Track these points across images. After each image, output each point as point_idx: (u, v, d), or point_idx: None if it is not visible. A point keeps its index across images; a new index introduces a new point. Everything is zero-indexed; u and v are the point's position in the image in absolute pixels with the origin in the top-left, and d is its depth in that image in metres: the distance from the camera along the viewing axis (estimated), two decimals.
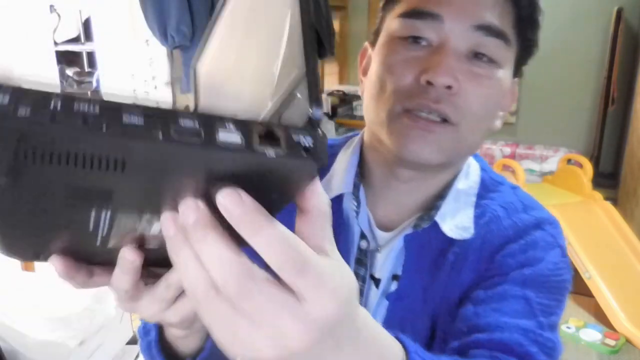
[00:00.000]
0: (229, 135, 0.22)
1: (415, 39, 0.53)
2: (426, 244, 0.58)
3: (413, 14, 0.53)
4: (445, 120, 0.52)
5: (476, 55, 0.53)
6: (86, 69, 2.18)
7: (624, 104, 3.21)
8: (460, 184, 0.61)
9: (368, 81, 0.58)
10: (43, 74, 1.62)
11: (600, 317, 1.99)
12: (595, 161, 3.31)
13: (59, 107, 0.20)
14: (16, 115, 0.19)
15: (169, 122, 0.21)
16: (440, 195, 0.60)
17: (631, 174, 2.83)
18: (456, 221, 0.58)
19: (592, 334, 1.90)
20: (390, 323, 0.59)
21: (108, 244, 0.30)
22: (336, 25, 3.26)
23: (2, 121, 0.19)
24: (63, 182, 0.22)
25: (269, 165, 0.23)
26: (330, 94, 3.50)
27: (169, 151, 0.21)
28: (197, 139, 0.21)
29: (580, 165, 2.46)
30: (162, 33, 1.84)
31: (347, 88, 3.66)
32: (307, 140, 0.23)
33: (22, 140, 0.20)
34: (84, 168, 0.21)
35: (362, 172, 0.63)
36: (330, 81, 3.84)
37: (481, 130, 0.56)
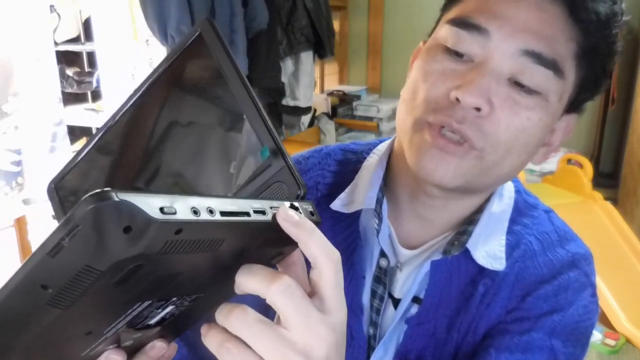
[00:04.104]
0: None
1: (458, 54, 0.49)
2: (455, 272, 0.55)
3: (461, 23, 0.49)
4: (467, 143, 0.49)
5: (518, 82, 0.48)
6: (86, 69, 2.18)
7: (624, 104, 3.21)
8: (494, 207, 0.57)
9: (406, 84, 0.54)
10: (43, 74, 1.62)
11: (600, 317, 1.99)
12: (595, 161, 3.30)
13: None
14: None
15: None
16: (472, 219, 0.56)
17: (631, 174, 2.83)
18: (487, 248, 0.55)
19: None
20: (409, 348, 0.56)
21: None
22: (336, 25, 3.26)
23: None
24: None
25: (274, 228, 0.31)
26: (330, 94, 3.49)
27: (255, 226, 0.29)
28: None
29: (580, 165, 2.46)
30: (162, 33, 1.84)
31: (347, 88, 3.65)
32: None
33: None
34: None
35: (387, 182, 0.59)
36: (330, 81, 3.84)
37: (512, 164, 0.51)
